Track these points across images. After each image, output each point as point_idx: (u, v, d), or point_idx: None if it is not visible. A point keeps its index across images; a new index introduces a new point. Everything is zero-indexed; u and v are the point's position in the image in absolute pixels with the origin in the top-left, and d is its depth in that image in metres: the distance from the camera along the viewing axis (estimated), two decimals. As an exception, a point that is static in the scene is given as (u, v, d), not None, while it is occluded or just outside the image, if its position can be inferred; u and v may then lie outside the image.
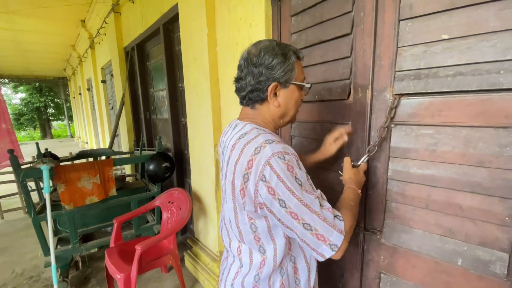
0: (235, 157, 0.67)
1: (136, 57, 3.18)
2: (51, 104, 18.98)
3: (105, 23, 3.92)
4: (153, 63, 3.04)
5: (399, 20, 0.82)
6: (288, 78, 0.71)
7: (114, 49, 3.74)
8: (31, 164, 2.04)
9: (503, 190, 0.70)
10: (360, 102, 0.95)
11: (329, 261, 1.17)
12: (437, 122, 0.79)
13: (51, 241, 1.83)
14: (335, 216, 0.64)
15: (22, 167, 1.91)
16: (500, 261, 0.73)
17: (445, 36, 0.75)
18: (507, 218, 0.71)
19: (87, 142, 9.01)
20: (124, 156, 2.91)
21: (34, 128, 19.77)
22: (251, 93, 0.72)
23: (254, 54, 0.70)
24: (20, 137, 18.80)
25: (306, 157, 1.03)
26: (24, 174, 1.82)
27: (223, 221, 0.82)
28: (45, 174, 1.81)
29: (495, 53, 0.67)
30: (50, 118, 19.59)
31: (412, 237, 0.88)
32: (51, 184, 1.89)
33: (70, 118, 16.18)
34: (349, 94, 0.98)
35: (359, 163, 0.89)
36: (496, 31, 0.67)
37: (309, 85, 0.76)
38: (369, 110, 0.92)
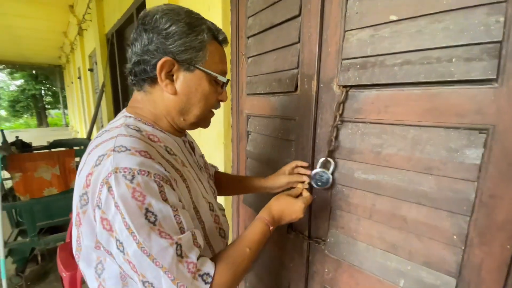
0: (80, 166, 0.50)
1: (116, 44, 3.05)
2: (49, 92, 18.83)
3: (89, 8, 3.78)
4: (131, 51, 2.92)
5: (347, -1, 0.70)
6: (190, 58, 0.52)
7: (97, 36, 3.61)
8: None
9: (451, 203, 0.59)
10: (306, 94, 0.83)
11: (278, 269, 1.07)
12: (384, 120, 0.67)
13: (0, 233, 1.72)
14: (198, 275, 0.44)
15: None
16: (445, 286, 0.62)
17: (393, 17, 0.63)
18: (454, 237, 0.60)
19: (78, 132, 8.89)
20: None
21: (31, 115, 19.62)
22: (136, 65, 0.53)
23: (150, 16, 0.51)
24: (16, 124, 18.70)
25: (252, 180, 0.87)
26: (-27, 162, 1.71)
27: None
28: (-4, 163, 1.70)
29: (447, 37, 0.56)
30: (47, 106, 19.45)
31: (355, 250, 0.77)
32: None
33: (66, 107, 16.05)
34: (297, 85, 0.87)
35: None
36: (449, 10, 0.55)
37: (224, 79, 0.58)
38: (314, 104, 0.81)
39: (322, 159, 0.78)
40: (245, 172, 1.23)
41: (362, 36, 0.68)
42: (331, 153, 0.78)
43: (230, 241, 0.61)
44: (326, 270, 0.87)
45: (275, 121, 1.00)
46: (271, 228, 0.58)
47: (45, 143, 2.86)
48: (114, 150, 0.44)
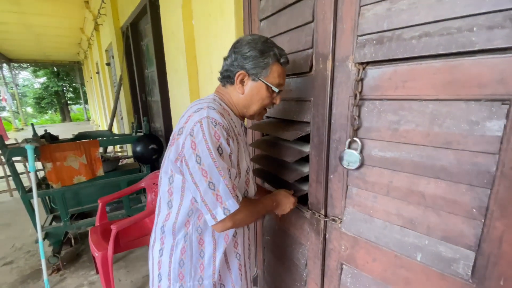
0: (184, 114, 0.76)
1: (131, 36, 3.11)
2: (70, 88, 19.57)
3: (104, 2, 3.85)
4: (147, 42, 2.97)
5: (363, -28, 0.69)
6: (257, 73, 0.75)
7: (112, 30, 3.68)
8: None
9: (471, 176, 0.59)
10: (321, 74, 0.83)
11: (295, 248, 1.10)
12: (401, 96, 0.67)
13: (37, 218, 1.87)
14: (236, 194, 0.71)
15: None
16: (464, 260, 0.62)
17: (411, -12, 0.61)
18: (474, 210, 0.59)
19: (99, 125, 9.26)
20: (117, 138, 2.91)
21: (55, 111, 20.56)
22: (225, 71, 0.79)
23: (240, 43, 0.76)
24: (42, 120, 19.69)
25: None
26: (10, 153, 1.85)
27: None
28: (30, 153, 1.83)
29: (469, 5, 0.54)
30: (69, 102, 20.26)
31: (372, 227, 0.79)
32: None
33: (87, 102, 16.68)
34: (311, 66, 0.86)
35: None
36: (471, -24, 0.53)
37: (276, 90, 0.78)
38: (330, 84, 0.81)
39: (348, 140, 0.78)
40: (262, 158, 1.25)
41: (378, 11, 0.67)
42: (356, 133, 0.77)
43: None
44: (343, 247, 0.89)
45: (290, 104, 1.01)
46: (274, 204, 0.88)
47: (70, 136, 3.03)
48: (208, 107, 0.71)
